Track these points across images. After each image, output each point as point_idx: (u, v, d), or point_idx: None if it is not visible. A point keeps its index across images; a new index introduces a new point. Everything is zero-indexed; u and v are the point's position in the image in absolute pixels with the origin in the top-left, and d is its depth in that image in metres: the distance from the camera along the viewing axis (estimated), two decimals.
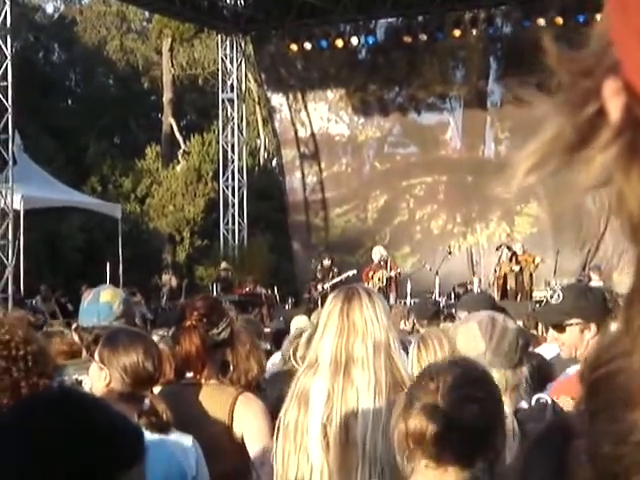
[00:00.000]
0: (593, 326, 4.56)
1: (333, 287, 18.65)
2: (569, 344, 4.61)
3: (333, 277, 22.55)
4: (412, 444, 2.67)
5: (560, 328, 4.66)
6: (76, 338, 5.16)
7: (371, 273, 22.44)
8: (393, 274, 22.38)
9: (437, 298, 20.98)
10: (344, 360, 3.79)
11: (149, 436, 3.73)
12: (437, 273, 22.31)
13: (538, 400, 3.58)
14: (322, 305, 4.45)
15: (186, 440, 3.89)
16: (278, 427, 3.89)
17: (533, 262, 22.03)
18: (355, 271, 22.60)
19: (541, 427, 1.06)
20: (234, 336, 4.58)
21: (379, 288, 21.93)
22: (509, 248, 22.54)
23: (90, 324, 4.93)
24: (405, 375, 3.79)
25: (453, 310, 9.19)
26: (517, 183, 0.78)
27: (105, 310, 4.94)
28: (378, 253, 22.81)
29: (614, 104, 0.74)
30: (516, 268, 21.97)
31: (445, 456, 2.65)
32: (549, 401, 3.54)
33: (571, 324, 4.60)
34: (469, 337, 3.90)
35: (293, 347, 5.63)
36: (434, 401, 2.65)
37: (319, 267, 23.49)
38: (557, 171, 0.78)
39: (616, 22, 0.73)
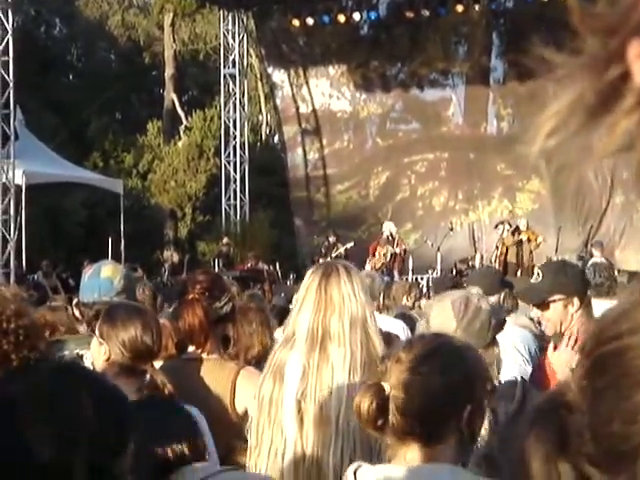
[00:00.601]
0: (576, 300, 4.66)
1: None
2: (554, 320, 4.67)
3: (338, 248, 22.62)
4: (357, 419, 2.75)
5: (543, 306, 4.72)
6: (77, 313, 5.16)
7: (378, 248, 22.49)
8: (398, 251, 22.44)
9: (438, 274, 21.02)
10: (320, 335, 3.77)
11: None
12: (439, 249, 22.34)
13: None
14: None
15: (192, 412, 3.90)
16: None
17: (535, 240, 22.03)
18: (353, 243, 22.65)
19: (538, 402, 1.05)
20: (235, 311, 4.59)
21: (382, 263, 21.98)
22: (510, 224, 22.53)
23: (91, 299, 4.93)
24: (380, 351, 3.79)
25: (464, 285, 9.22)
26: (538, 145, 0.76)
27: (106, 285, 4.94)
28: (387, 229, 22.85)
29: (639, 67, 0.72)
30: (523, 237, 21.99)
31: (402, 434, 2.68)
32: (519, 378, 3.57)
33: (554, 300, 4.66)
34: (442, 315, 3.93)
35: None
36: (379, 379, 2.70)
37: (325, 243, 23.53)
38: (578, 134, 0.76)
39: None
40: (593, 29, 0.75)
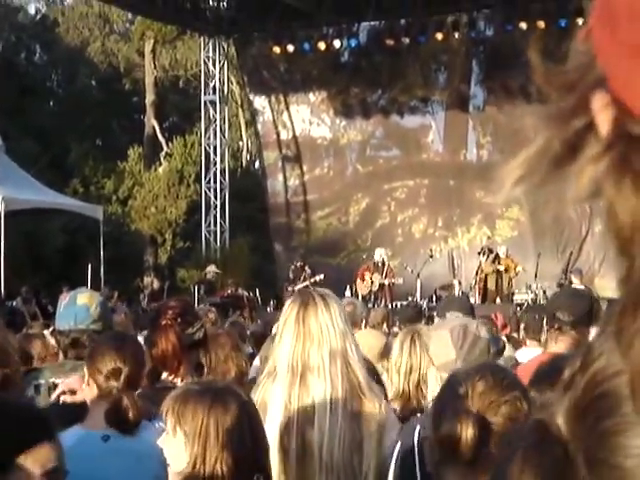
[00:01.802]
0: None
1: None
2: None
3: (305, 279, 22.54)
4: (447, 450, 2.62)
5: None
6: (52, 341, 5.14)
7: (367, 273, 22.43)
8: (387, 282, 22.31)
9: (419, 301, 21.03)
10: (300, 368, 3.77)
11: (114, 438, 3.72)
12: (418, 276, 22.35)
13: None
14: None
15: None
16: None
17: (514, 269, 22.09)
18: (322, 275, 22.53)
19: (523, 429, 1.05)
20: (207, 337, 4.59)
21: (370, 290, 21.93)
22: (491, 251, 22.58)
23: (67, 327, 4.91)
24: (363, 381, 3.78)
25: (435, 313, 9.24)
26: (504, 195, 0.78)
27: (82, 313, 4.91)
28: (379, 255, 22.75)
29: (603, 118, 0.74)
30: (500, 267, 22.02)
31: (480, 461, 2.59)
32: None
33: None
34: (440, 345, 3.92)
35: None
36: (466, 406, 2.63)
37: (292, 268, 23.54)
38: (544, 183, 0.78)
39: (603, 37, 0.73)
40: (556, 86, 0.77)
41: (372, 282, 22.22)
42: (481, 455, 2.59)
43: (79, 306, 4.93)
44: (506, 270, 22.10)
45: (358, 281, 22.40)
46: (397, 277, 22.91)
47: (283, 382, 3.80)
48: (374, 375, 4.69)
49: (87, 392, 4.01)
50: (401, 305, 21.88)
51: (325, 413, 3.72)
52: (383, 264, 22.58)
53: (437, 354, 3.89)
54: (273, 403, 3.81)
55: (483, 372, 2.73)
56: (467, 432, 2.58)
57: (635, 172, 0.73)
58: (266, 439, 3.11)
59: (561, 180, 0.77)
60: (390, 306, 20.75)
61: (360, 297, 20.40)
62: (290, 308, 3.88)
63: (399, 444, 3.44)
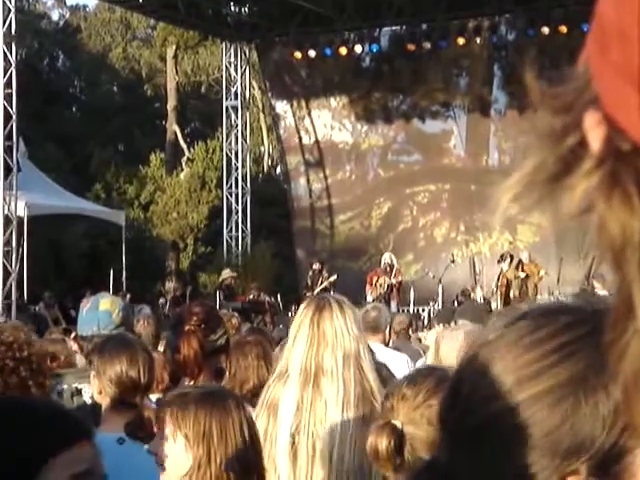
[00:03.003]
0: None
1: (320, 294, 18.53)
2: None
3: (322, 282, 22.63)
4: (373, 460, 2.67)
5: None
6: (75, 347, 5.17)
7: (375, 278, 22.49)
8: (394, 282, 22.38)
9: (440, 306, 21.01)
10: (313, 371, 3.79)
11: (133, 446, 3.74)
12: (440, 281, 22.33)
13: None
14: None
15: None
16: None
17: (538, 273, 22.02)
18: (336, 276, 22.63)
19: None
20: (229, 343, 4.59)
21: (380, 294, 21.97)
22: (512, 257, 22.53)
23: (90, 332, 4.93)
24: (375, 386, 3.79)
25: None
26: (501, 214, 0.80)
27: (105, 318, 4.94)
28: (385, 259, 22.86)
29: (595, 135, 0.76)
30: (522, 274, 21.96)
31: (403, 472, 2.62)
32: None
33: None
34: (453, 345, 3.93)
35: None
36: (389, 418, 2.66)
37: (309, 274, 23.60)
38: (541, 201, 0.79)
39: (595, 59, 0.76)
40: (552, 108, 0.79)
41: (380, 285, 22.27)
42: (403, 465, 2.61)
43: (102, 312, 4.96)
44: (529, 276, 22.04)
45: (367, 287, 22.45)
46: (403, 275, 23.07)
47: (295, 384, 3.81)
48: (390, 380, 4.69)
49: (99, 398, 4.04)
50: (422, 310, 21.94)
51: (337, 417, 3.73)
52: (391, 267, 22.62)
53: (448, 354, 3.90)
54: (284, 405, 3.82)
55: (411, 378, 2.76)
56: (382, 444, 2.60)
57: (624, 187, 0.74)
58: (259, 440, 3.15)
59: (557, 197, 0.78)
60: (398, 308, 20.82)
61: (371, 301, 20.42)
62: (305, 312, 3.90)
63: None
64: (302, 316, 3.89)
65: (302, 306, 3.99)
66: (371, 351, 4.00)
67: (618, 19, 0.73)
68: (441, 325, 6.23)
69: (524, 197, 0.79)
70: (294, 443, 3.78)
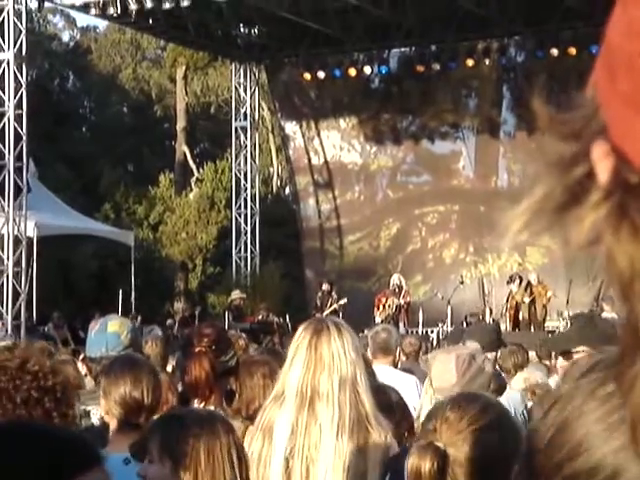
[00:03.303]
0: None
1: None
2: None
3: (332, 304, 22.66)
4: None
5: (568, 355, 4.69)
6: (83, 369, 5.16)
7: (384, 299, 22.49)
8: (402, 302, 22.38)
9: (449, 327, 20.96)
10: (309, 394, 3.77)
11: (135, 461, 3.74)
12: (449, 302, 22.28)
13: None
14: None
15: None
16: None
17: (545, 294, 21.99)
18: (346, 299, 22.65)
19: None
20: (239, 365, 4.59)
21: (388, 314, 21.95)
22: (521, 278, 22.49)
23: (98, 354, 4.94)
24: (370, 411, 3.78)
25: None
26: (510, 240, 0.80)
27: (113, 340, 4.95)
28: (394, 280, 22.87)
29: (603, 166, 0.75)
30: (527, 300, 21.93)
31: None
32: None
33: (577, 352, 4.63)
34: (443, 367, 3.92)
35: None
36: (432, 440, 2.64)
37: (319, 294, 23.62)
38: (549, 229, 0.79)
39: (603, 87, 0.75)
40: (560, 134, 0.78)
41: (388, 306, 22.27)
42: None
43: (110, 333, 4.97)
44: (537, 297, 22.00)
45: (375, 308, 22.44)
46: (411, 296, 23.07)
47: (291, 407, 3.79)
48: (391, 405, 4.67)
49: (107, 419, 4.05)
50: (431, 331, 21.89)
51: (331, 441, 3.71)
52: (400, 288, 22.63)
53: (438, 377, 3.89)
54: (279, 428, 3.80)
55: (455, 403, 2.73)
56: (426, 465, 2.58)
57: (632, 220, 0.74)
58: (248, 466, 3.15)
59: (565, 226, 0.78)
60: (407, 330, 20.81)
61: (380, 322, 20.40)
62: (303, 334, 3.87)
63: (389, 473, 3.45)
64: (300, 338, 3.87)
65: (300, 328, 3.96)
66: (373, 374, 3.99)
67: (627, 48, 0.72)
68: (473, 345, 6.20)
69: (533, 225, 0.79)
70: (288, 467, 3.76)
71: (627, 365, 0.79)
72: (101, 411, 4.17)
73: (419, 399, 6.58)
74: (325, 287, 23.56)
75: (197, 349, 4.40)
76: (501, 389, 4.22)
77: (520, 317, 22.09)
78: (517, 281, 22.38)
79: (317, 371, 3.78)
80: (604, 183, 0.75)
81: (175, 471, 2.94)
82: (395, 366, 7.41)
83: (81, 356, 5.32)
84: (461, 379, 3.85)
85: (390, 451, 3.77)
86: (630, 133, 0.72)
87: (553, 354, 8.62)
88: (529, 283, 22.27)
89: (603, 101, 0.75)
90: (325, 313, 21.44)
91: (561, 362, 5.20)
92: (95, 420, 4.63)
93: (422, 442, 2.67)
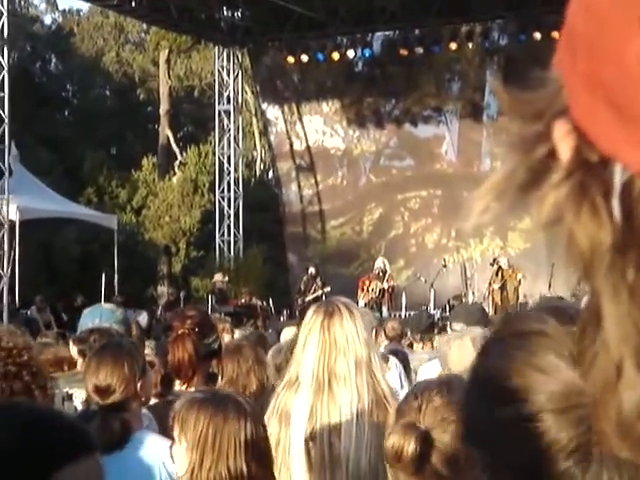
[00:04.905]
0: None
1: (311, 302, 18.51)
2: None
3: (316, 289, 22.66)
4: (392, 461, 2.60)
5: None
6: (74, 351, 5.11)
7: (367, 282, 22.51)
8: (386, 286, 22.41)
9: (432, 311, 21.00)
10: (326, 377, 3.75)
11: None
12: (432, 286, 22.34)
13: None
14: (301, 319, 4.40)
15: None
16: None
17: (515, 278, 22.08)
18: (329, 288, 22.59)
19: None
20: (222, 348, 4.60)
21: (371, 298, 21.99)
22: (495, 261, 22.58)
23: (91, 325, 4.95)
24: (387, 391, 3.77)
25: (447, 323, 9.25)
26: (473, 221, 0.80)
27: (107, 313, 5.00)
28: (378, 264, 22.88)
29: (564, 146, 0.76)
30: (495, 286, 22.01)
31: (425, 476, 2.56)
32: None
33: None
34: (463, 353, 3.91)
35: (280, 360, 5.63)
36: (415, 420, 2.59)
37: (304, 277, 23.61)
38: (512, 210, 0.80)
39: (565, 68, 0.76)
40: (522, 115, 0.79)
41: (372, 290, 22.29)
42: (424, 470, 2.55)
43: (105, 308, 5.03)
44: (508, 280, 22.07)
45: (359, 291, 22.45)
46: (396, 281, 23.07)
47: (308, 392, 3.78)
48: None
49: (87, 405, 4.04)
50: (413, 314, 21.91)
51: (352, 423, 3.70)
52: (384, 272, 22.65)
53: (457, 362, 3.89)
54: (297, 413, 3.79)
55: (443, 386, 2.66)
56: (409, 447, 2.53)
57: (593, 200, 0.75)
58: (269, 451, 3.14)
59: (528, 206, 0.79)
60: (390, 313, 20.86)
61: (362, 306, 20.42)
62: (314, 317, 3.85)
63: None
64: (311, 322, 3.84)
65: (310, 311, 3.93)
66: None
67: (585, 30, 0.73)
68: (459, 326, 6.20)
69: (495, 205, 0.80)
70: (309, 450, 3.75)
71: (587, 344, 0.80)
72: (83, 394, 4.17)
73: (398, 379, 6.64)
74: (311, 271, 23.57)
75: (180, 331, 4.41)
76: None
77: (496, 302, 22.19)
78: (496, 266, 22.47)
79: (332, 354, 3.76)
80: (565, 162, 0.76)
81: (187, 451, 2.96)
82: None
83: (72, 338, 5.32)
84: None
85: None
86: (589, 114, 0.72)
87: None
88: (500, 268, 22.34)
89: (565, 81, 0.76)
90: (308, 299, 21.49)
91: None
92: (77, 404, 4.62)
93: (406, 420, 2.61)
